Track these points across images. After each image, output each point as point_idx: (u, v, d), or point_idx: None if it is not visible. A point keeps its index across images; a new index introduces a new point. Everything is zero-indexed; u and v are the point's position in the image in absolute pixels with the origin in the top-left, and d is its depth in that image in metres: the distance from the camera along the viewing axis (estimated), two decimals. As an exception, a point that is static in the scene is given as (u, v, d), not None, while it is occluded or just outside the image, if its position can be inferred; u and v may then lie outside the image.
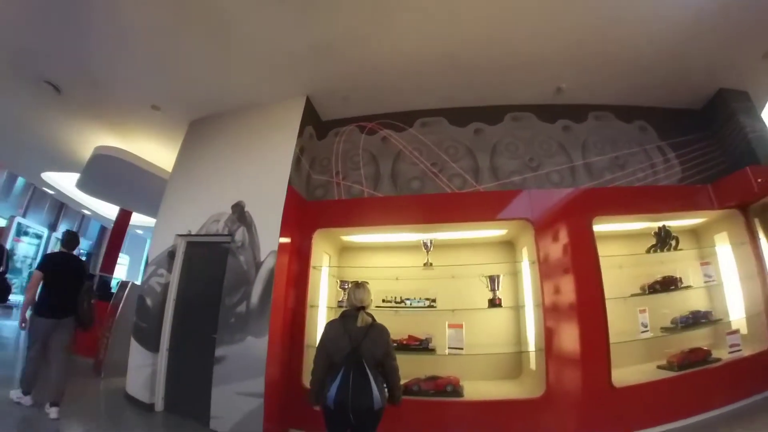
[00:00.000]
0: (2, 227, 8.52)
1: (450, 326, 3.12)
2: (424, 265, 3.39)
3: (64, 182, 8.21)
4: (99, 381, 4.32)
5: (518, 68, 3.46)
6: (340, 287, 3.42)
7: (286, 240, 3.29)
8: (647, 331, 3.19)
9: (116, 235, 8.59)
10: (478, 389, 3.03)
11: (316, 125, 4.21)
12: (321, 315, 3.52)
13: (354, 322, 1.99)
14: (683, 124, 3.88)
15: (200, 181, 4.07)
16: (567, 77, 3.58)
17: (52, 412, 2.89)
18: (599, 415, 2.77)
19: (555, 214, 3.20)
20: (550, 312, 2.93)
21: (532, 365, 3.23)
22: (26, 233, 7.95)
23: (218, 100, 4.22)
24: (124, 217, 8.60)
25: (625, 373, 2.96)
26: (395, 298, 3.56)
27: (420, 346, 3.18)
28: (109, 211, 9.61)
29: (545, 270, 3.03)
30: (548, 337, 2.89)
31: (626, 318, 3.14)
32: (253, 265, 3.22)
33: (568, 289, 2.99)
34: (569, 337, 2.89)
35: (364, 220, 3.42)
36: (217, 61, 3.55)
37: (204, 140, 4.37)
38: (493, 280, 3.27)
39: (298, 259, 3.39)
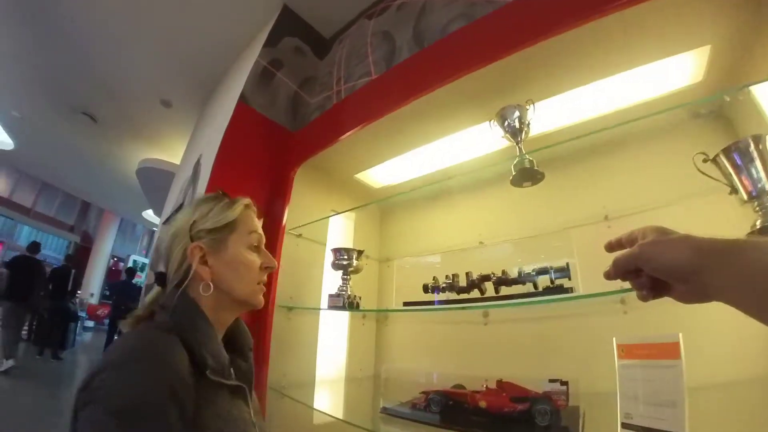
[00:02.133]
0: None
1: (625, 353, 0.71)
2: (514, 166, 1.16)
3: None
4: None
5: None
6: (333, 265, 1.62)
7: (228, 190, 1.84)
8: None
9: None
10: None
11: (309, 39, 2.83)
12: (311, 322, 1.81)
13: None
14: None
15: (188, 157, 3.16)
16: None
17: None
18: None
19: None
20: None
21: None
22: (142, 269, 9.68)
23: (207, 68, 3.30)
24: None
25: None
26: (460, 277, 1.34)
27: (525, 416, 0.90)
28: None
29: None
30: None
31: None
32: (181, 235, 1.90)
33: None
34: None
35: (367, 113, 1.59)
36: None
37: (204, 118, 3.53)
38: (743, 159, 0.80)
39: (265, 221, 1.87)
